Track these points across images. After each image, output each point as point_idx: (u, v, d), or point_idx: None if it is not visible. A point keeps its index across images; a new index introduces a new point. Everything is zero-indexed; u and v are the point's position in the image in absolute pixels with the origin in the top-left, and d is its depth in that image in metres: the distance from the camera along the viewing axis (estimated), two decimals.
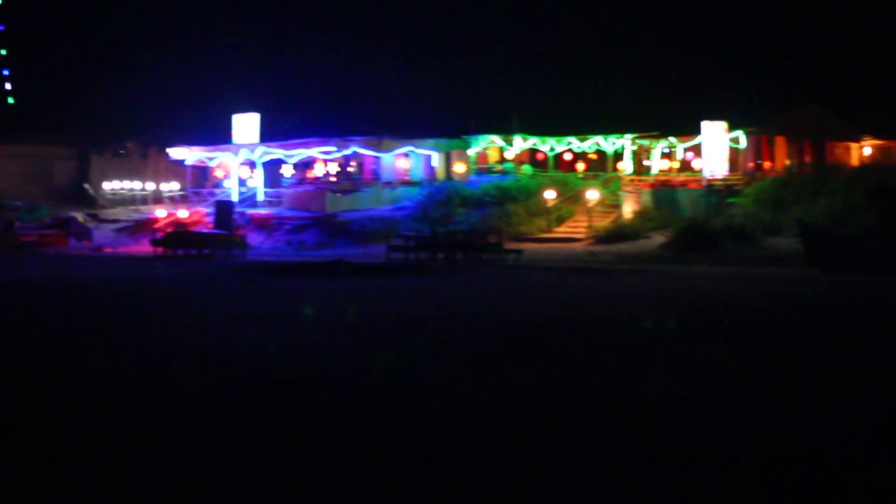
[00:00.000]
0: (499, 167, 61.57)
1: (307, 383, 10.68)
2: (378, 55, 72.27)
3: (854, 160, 61.80)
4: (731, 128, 50.91)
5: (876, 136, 63.55)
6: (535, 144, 61.34)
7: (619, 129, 58.39)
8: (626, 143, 57.91)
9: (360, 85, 72.34)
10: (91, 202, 63.89)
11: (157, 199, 62.46)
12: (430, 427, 8.67)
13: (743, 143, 51.86)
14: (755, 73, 62.28)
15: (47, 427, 8.64)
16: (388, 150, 56.33)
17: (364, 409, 9.35)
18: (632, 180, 53.17)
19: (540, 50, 71.35)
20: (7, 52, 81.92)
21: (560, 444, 7.99)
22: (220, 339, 14.49)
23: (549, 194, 49.36)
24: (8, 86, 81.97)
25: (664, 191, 50.64)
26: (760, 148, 55.44)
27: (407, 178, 58.20)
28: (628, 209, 49.30)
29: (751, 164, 53.68)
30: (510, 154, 61.85)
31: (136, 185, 64.47)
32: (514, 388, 10.44)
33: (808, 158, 56.92)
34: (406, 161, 59.19)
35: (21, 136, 69.89)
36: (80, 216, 55.58)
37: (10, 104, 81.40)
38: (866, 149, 63.92)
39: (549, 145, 61.30)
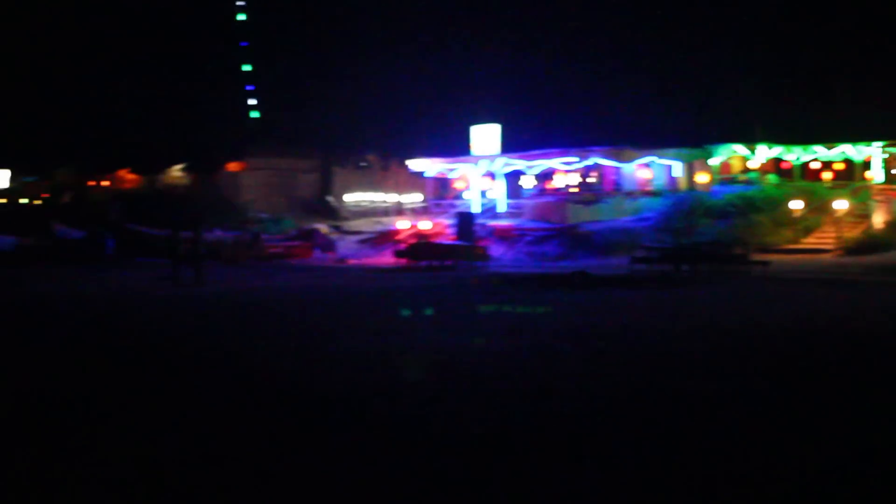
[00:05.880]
0: (742, 177, 60.29)
1: (552, 394, 10.61)
2: (619, 65, 71.80)
3: None
4: None
5: None
6: (779, 154, 59.85)
7: (868, 137, 56.47)
8: (875, 151, 55.88)
9: (600, 95, 72.03)
10: (333, 214, 65.39)
11: (398, 210, 63.41)
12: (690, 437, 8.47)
13: None
14: None
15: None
16: (629, 161, 55.86)
17: (605, 417, 9.23)
18: (882, 189, 51.18)
19: (784, 57, 69.58)
20: (251, 68, 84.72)
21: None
22: (465, 348, 14.53)
23: (795, 204, 48.10)
24: (252, 101, 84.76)
25: None
26: None
27: (648, 188, 57.50)
28: (879, 219, 47.54)
29: None
30: (754, 163, 60.51)
31: (377, 196, 65.58)
32: (761, 401, 10.10)
33: None
34: (647, 171, 58.49)
35: (266, 149, 72.09)
36: (323, 228, 56.92)
37: (255, 119, 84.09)
38: None
39: (794, 154, 59.73)
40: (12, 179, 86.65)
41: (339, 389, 11.27)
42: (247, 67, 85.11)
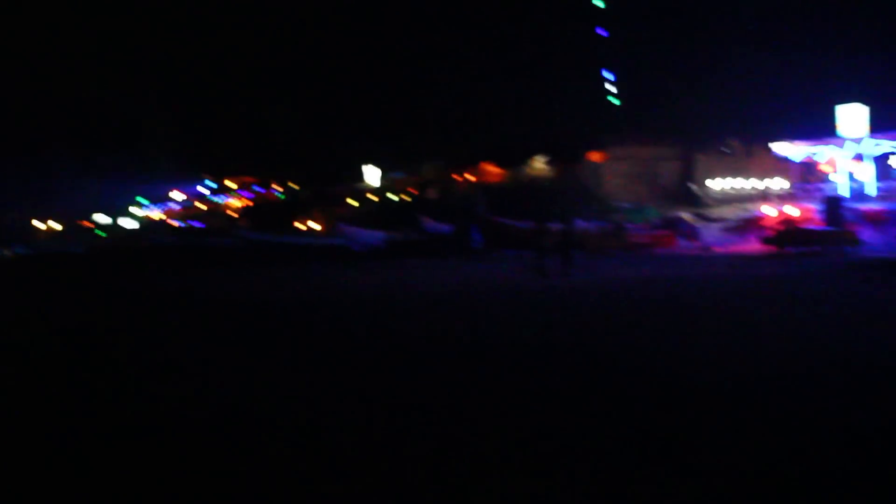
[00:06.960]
0: None
1: None
2: None
3: None
4: None
5: None
6: None
7: None
8: None
9: None
10: (696, 201, 65.03)
11: (762, 196, 62.33)
12: None
13: None
14: None
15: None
16: None
17: None
18: None
19: None
20: (613, 57, 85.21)
21: None
22: (843, 340, 14.38)
23: None
24: (613, 90, 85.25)
25: None
26: None
27: None
28: None
29: None
30: None
31: (740, 182, 64.71)
32: None
33: None
34: None
35: (627, 138, 72.47)
36: (686, 216, 56.74)
37: (617, 108, 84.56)
38: None
39: None
40: (382, 177, 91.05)
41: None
42: (607, 62, 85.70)
